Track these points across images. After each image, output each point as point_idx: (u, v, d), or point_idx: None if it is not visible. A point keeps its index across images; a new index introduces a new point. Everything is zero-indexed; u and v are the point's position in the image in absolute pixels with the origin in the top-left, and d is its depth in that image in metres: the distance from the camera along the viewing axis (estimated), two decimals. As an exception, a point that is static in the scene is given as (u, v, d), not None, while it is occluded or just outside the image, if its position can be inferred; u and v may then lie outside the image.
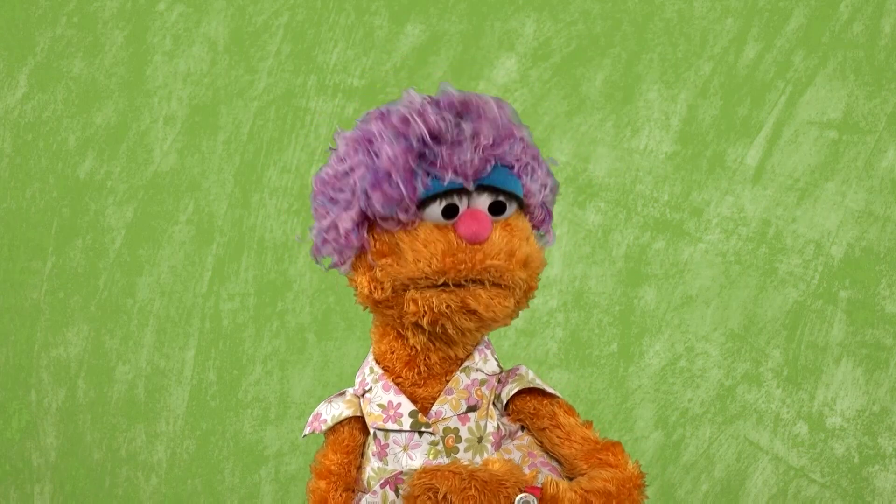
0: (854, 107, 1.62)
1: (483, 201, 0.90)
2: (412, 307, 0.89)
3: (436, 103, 0.89)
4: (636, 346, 1.66)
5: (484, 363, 0.96)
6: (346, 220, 0.90)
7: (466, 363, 0.95)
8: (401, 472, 0.92)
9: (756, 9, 1.65)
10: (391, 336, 0.95)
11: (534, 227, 0.95)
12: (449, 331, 0.90)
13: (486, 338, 0.98)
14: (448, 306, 0.88)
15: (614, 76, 1.68)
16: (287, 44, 1.78)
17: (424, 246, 0.88)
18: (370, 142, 0.89)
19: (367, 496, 0.93)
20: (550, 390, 0.96)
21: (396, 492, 0.92)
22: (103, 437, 1.81)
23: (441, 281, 0.88)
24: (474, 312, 0.89)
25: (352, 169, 0.89)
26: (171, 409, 1.79)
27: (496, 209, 0.90)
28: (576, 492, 0.88)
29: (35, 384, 1.84)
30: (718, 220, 1.65)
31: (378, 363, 0.96)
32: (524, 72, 1.70)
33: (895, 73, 1.62)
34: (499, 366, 0.97)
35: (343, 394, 0.98)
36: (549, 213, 0.96)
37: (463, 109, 0.90)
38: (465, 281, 0.88)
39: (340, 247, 0.91)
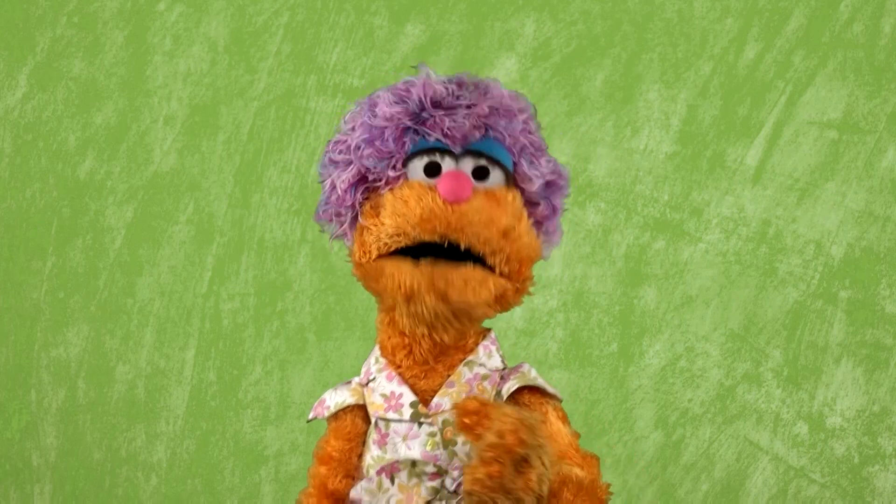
0: (854, 107, 1.63)
1: (467, 165, 0.92)
2: (389, 283, 0.90)
3: (448, 78, 0.93)
4: (636, 346, 1.66)
5: (488, 358, 0.97)
6: (344, 180, 0.93)
7: (470, 357, 0.96)
8: (397, 461, 0.93)
9: (756, 9, 1.65)
10: (387, 322, 0.96)
11: (537, 221, 0.96)
12: (424, 313, 0.91)
13: (492, 334, 0.99)
14: (419, 284, 0.89)
15: (614, 76, 1.68)
16: (287, 44, 1.78)
17: (405, 202, 0.90)
18: (374, 104, 0.93)
19: (363, 482, 0.94)
20: (551, 390, 0.97)
21: (392, 480, 0.93)
22: (103, 437, 1.81)
23: (418, 239, 0.89)
24: (444, 294, 0.89)
25: (353, 129, 0.93)
26: (171, 409, 1.79)
27: (479, 174, 0.92)
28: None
29: (35, 384, 1.84)
30: (718, 220, 1.65)
31: (382, 353, 0.97)
32: (524, 72, 1.70)
33: (895, 73, 1.62)
34: (503, 362, 0.98)
35: (349, 382, 0.99)
36: (555, 210, 0.97)
37: (468, 84, 0.93)
38: (446, 243, 0.89)
39: (337, 208, 0.94)
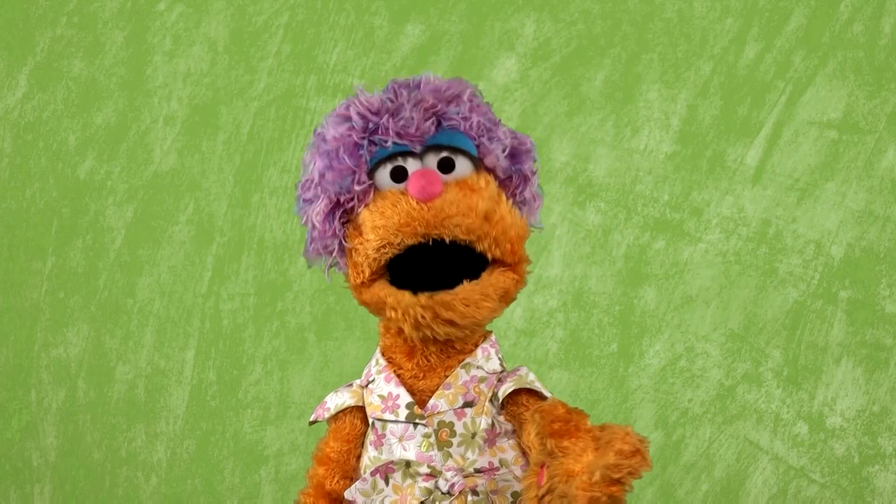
0: (854, 107, 1.62)
1: (431, 161, 0.92)
2: (394, 315, 0.92)
3: (383, 89, 0.94)
4: (636, 346, 1.66)
5: (486, 361, 0.97)
6: (318, 213, 0.94)
7: (468, 359, 0.96)
8: (391, 462, 0.94)
9: (756, 9, 1.65)
10: (392, 331, 0.97)
11: (512, 193, 0.96)
12: (434, 337, 0.93)
13: (492, 337, 0.99)
14: (423, 317, 0.90)
15: (614, 76, 1.68)
16: (287, 44, 1.78)
17: (381, 213, 0.91)
18: (322, 134, 0.94)
19: (358, 483, 0.95)
20: (547, 393, 0.96)
21: (386, 480, 0.94)
22: (103, 437, 1.81)
23: (403, 244, 0.90)
24: (451, 321, 0.91)
25: (313, 164, 0.94)
26: (171, 409, 1.79)
27: (445, 166, 0.92)
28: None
29: (35, 384, 1.84)
30: (718, 220, 1.65)
31: (383, 355, 0.98)
32: (524, 72, 1.70)
33: (895, 73, 1.62)
34: (501, 365, 0.98)
35: (350, 385, 1.00)
36: (526, 178, 0.97)
37: (404, 86, 0.94)
38: (431, 241, 0.89)
39: (321, 240, 0.95)
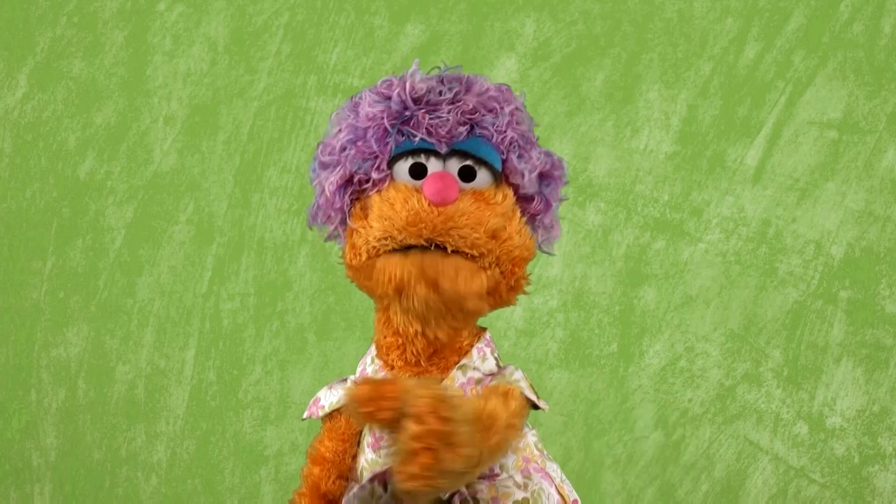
0: (854, 107, 1.62)
1: (453, 166, 0.90)
2: (380, 277, 0.89)
3: (431, 76, 0.92)
4: (636, 346, 1.66)
5: (482, 362, 0.95)
6: (331, 183, 0.92)
7: (464, 361, 0.94)
8: (391, 468, 0.91)
9: (756, 9, 1.65)
10: (382, 322, 0.95)
11: (531, 216, 0.94)
12: (416, 305, 0.89)
13: (487, 334, 0.98)
14: (409, 274, 0.87)
15: (614, 76, 1.68)
16: (287, 44, 1.78)
17: (391, 205, 0.89)
18: (357, 104, 0.92)
19: (356, 489, 0.93)
20: (529, 393, 0.94)
21: (385, 487, 0.92)
22: (103, 437, 1.81)
23: (405, 242, 0.88)
24: (435, 283, 0.88)
25: (339, 131, 0.93)
26: (171, 409, 1.79)
27: (465, 174, 0.90)
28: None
29: (35, 384, 1.84)
30: (718, 220, 1.65)
31: (377, 353, 0.96)
32: (524, 72, 1.70)
33: (895, 73, 1.62)
34: (497, 365, 0.97)
35: (344, 380, 0.98)
36: (549, 203, 0.95)
37: (452, 80, 0.92)
38: (433, 246, 0.87)
39: (325, 209, 0.93)
